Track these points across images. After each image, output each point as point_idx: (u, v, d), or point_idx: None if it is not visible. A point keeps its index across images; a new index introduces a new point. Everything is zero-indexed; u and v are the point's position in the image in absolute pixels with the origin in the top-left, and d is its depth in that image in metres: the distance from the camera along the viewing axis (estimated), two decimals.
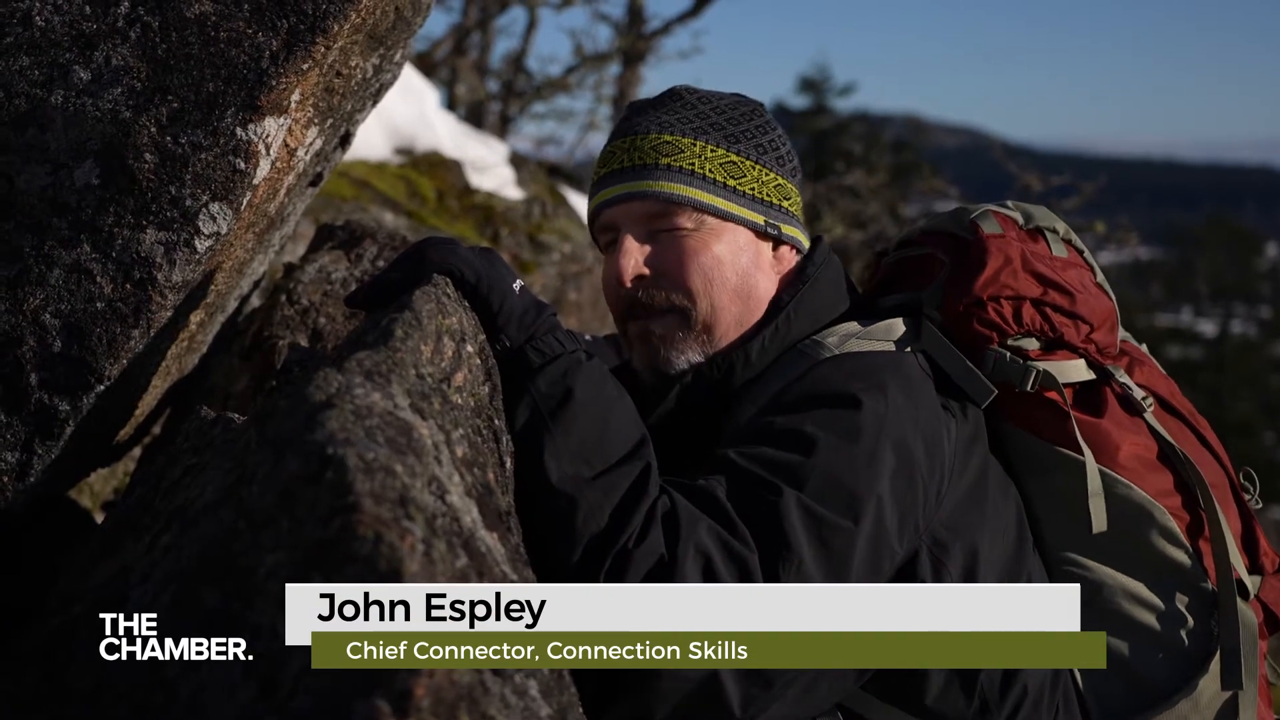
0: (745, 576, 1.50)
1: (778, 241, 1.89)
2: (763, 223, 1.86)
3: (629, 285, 1.82)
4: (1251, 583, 1.86)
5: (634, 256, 1.82)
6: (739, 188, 1.85)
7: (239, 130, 1.73)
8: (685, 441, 1.76)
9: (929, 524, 1.67)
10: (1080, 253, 1.97)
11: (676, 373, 1.84)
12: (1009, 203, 2.00)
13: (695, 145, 1.85)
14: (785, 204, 1.90)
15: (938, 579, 1.66)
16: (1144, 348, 2.04)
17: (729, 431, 1.73)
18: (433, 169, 5.22)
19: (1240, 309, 39.41)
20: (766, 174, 1.88)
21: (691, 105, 1.89)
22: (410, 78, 5.79)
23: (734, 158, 1.86)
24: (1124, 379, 1.87)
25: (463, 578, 1.13)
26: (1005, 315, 1.84)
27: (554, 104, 12.14)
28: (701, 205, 1.82)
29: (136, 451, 2.54)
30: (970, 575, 1.68)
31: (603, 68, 11.97)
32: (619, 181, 1.85)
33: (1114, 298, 1.96)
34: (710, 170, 1.83)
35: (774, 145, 1.91)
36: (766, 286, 1.86)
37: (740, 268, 1.83)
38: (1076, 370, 1.86)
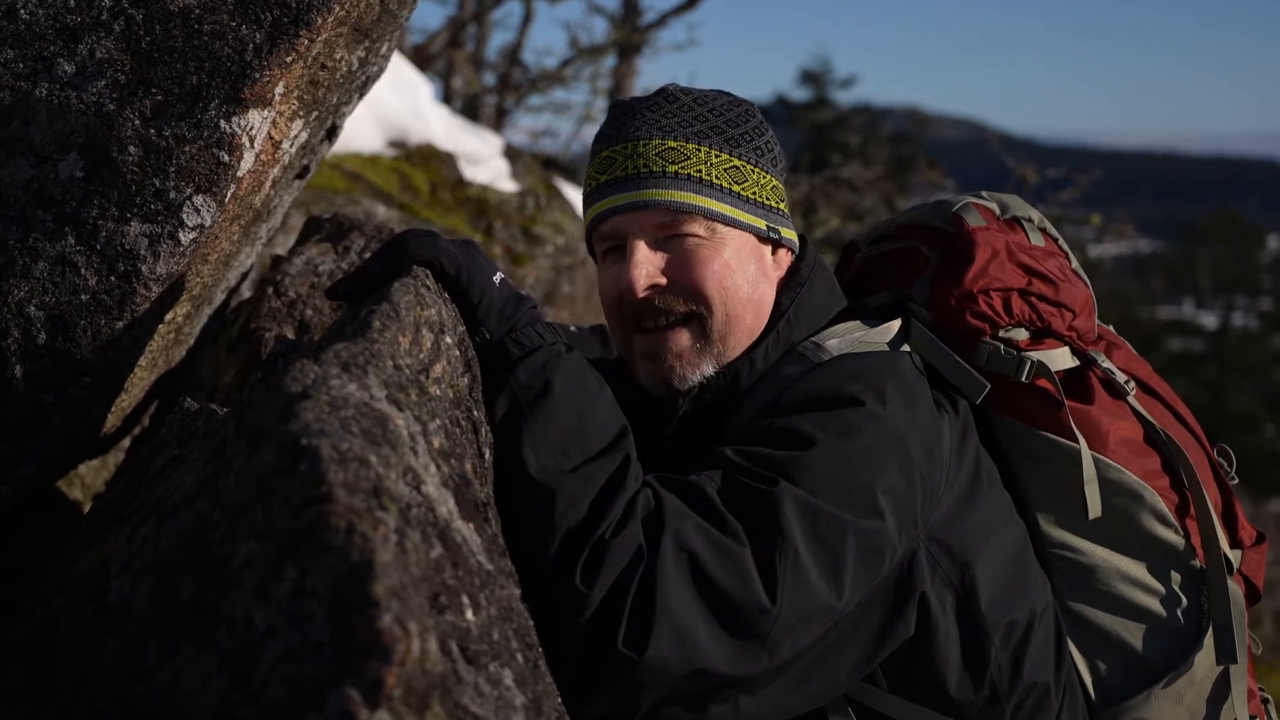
0: (739, 574, 1.50)
1: (776, 245, 1.89)
2: (765, 228, 1.85)
3: (642, 295, 1.78)
4: (1233, 557, 1.89)
5: (646, 266, 1.79)
6: (743, 193, 1.83)
7: (223, 123, 1.73)
8: (690, 448, 1.76)
9: (927, 522, 1.68)
10: (1055, 240, 1.99)
11: (689, 388, 1.82)
12: (984, 193, 2.01)
13: (700, 150, 1.81)
14: (781, 205, 1.90)
15: (934, 576, 1.67)
16: (1111, 328, 2.06)
17: (727, 432, 1.74)
18: (426, 162, 5.21)
19: (1242, 301, 39.38)
20: (764, 177, 1.86)
21: (688, 107, 1.85)
22: (403, 70, 5.78)
23: (736, 162, 1.83)
24: (1106, 364, 1.90)
25: (437, 568, 1.13)
26: (996, 307, 1.85)
27: (550, 97, 12.12)
28: (711, 213, 1.79)
29: (125, 443, 2.55)
30: (967, 573, 1.70)
31: (598, 60, 11.95)
32: (623, 190, 1.80)
33: (1089, 283, 1.98)
34: (716, 177, 1.80)
35: (769, 146, 1.89)
36: (770, 293, 1.86)
37: (749, 275, 1.82)
38: (1063, 358, 1.88)
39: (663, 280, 1.79)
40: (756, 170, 1.85)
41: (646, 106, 1.86)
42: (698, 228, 1.79)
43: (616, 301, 1.83)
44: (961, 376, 1.81)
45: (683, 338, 1.80)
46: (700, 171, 1.80)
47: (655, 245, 1.80)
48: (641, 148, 1.81)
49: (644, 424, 1.77)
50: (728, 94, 1.91)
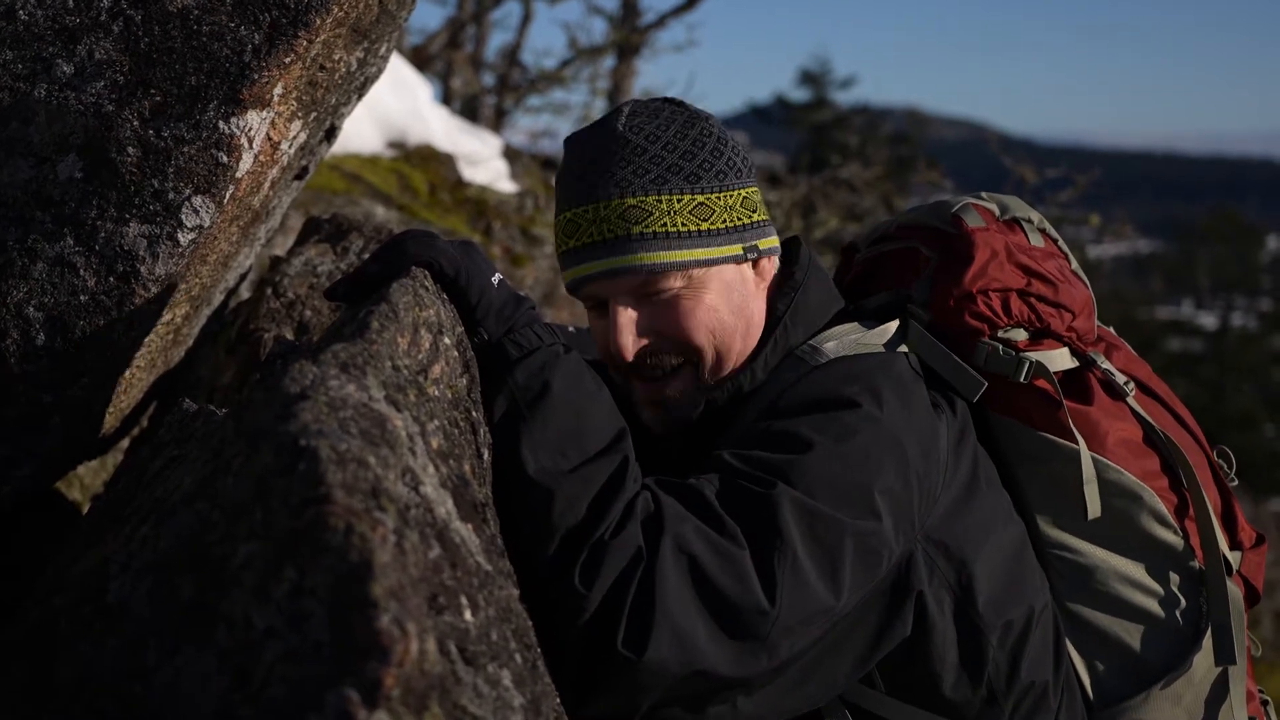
0: (738, 576, 1.50)
1: (758, 259, 1.87)
2: (742, 251, 1.83)
3: (631, 359, 1.78)
4: (1233, 558, 1.89)
5: (630, 332, 1.78)
6: (713, 228, 1.79)
7: (221, 124, 1.73)
8: (691, 454, 1.77)
9: (924, 523, 1.68)
10: (1055, 241, 1.99)
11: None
12: (983, 194, 2.01)
13: (661, 201, 1.77)
14: (754, 216, 1.86)
15: (931, 576, 1.67)
16: (1111, 329, 2.06)
17: (727, 437, 1.74)
18: (425, 162, 5.22)
19: (1241, 302, 39.42)
20: (732, 196, 1.82)
21: (641, 149, 1.79)
22: (403, 71, 5.79)
23: (700, 199, 1.79)
24: (1105, 365, 1.90)
25: (435, 569, 1.13)
26: (995, 308, 1.85)
27: (549, 97, 12.14)
28: (684, 264, 1.77)
29: (124, 444, 2.55)
30: (965, 572, 1.70)
31: (597, 61, 11.96)
32: (594, 258, 1.78)
33: (1089, 284, 1.98)
34: (683, 224, 1.77)
35: (731, 163, 1.84)
36: (760, 308, 1.85)
37: (734, 305, 1.81)
38: (1062, 358, 1.88)
39: (648, 340, 1.79)
40: (722, 195, 1.81)
41: (602, 155, 1.80)
42: (675, 281, 1.77)
43: (609, 356, 1.83)
44: (959, 376, 1.81)
45: (678, 385, 1.82)
46: (665, 225, 1.76)
47: (637, 303, 1.79)
48: (603, 210, 1.77)
49: (644, 429, 1.77)
50: (680, 112, 1.85)
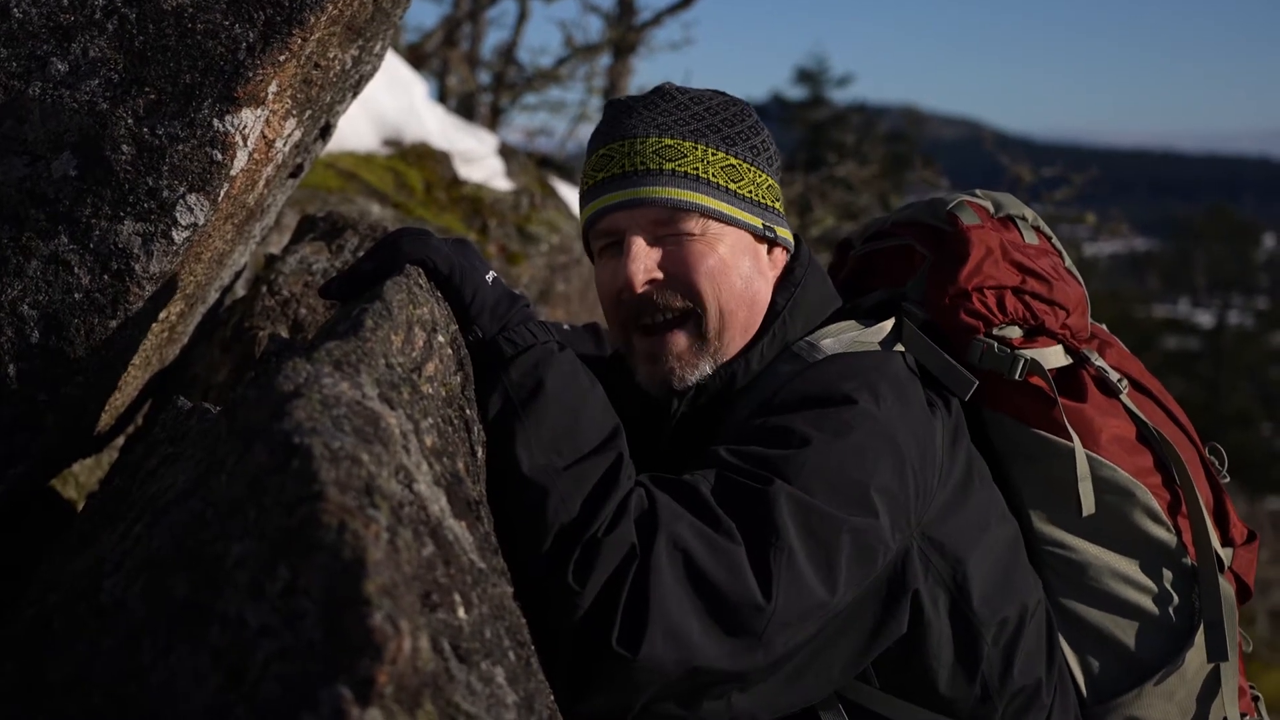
0: (734, 572, 1.50)
1: (772, 244, 1.89)
2: (761, 226, 1.86)
3: (639, 290, 1.79)
4: (1225, 555, 1.89)
5: (643, 261, 1.80)
6: (739, 191, 1.83)
7: (216, 122, 1.73)
8: (685, 449, 1.77)
9: (920, 520, 1.68)
10: (1049, 239, 2.00)
11: (686, 388, 1.83)
12: (977, 191, 2.01)
13: (696, 149, 1.82)
14: (776, 205, 1.91)
15: (927, 574, 1.67)
16: (1104, 326, 2.07)
17: (722, 432, 1.74)
18: (421, 160, 5.21)
19: (1238, 300, 39.49)
20: (760, 175, 1.87)
21: (684, 105, 1.86)
22: (398, 69, 5.78)
23: (733, 160, 1.84)
24: (1099, 362, 1.90)
25: (429, 566, 1.14)
26: (990, 305, 1.86)
27: (545, 95, 12.13)
28: (707, 210, 1.80)
29: (119, 441, 2.55)
30: (959, 570, 1.70)
31: (593, 59, 11.95)
32: (620, 187, 1.81)
33: (1082, 281, 1.99)
34: (713, 174, 1.81)
35: (764, 146, 1.90)
36: (766, 291, 1.87)
37: (744, 272, 1.83)
38: (1056, 356, 1.89)
39: (659, 275, 1.80)
40: (752, 169, 1.86)
41: (643, 105, 1.87)
42: (694, 225, 1.80)
43: (615, 297, 1.83)
44: (950, 374, 1.81)
45: (680, 339, 1.81)
46: (697, 169, 1.81)
47: (652, 241, 1.81)
48: (639, 145, 1.82)
49: (639, 425, 1.77)
50: (723, 93, 1.92)
